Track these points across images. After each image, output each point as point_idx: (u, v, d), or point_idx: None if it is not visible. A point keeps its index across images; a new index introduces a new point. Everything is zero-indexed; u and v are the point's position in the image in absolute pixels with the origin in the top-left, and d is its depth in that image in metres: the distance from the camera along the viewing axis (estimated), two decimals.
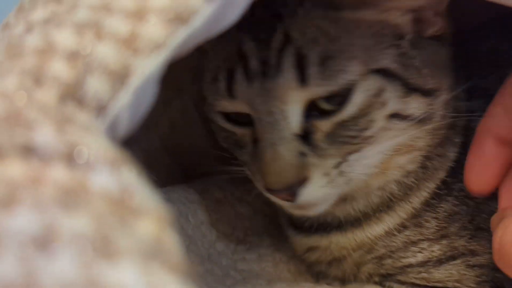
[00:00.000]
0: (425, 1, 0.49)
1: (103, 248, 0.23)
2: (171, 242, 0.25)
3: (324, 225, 0.58)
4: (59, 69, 0.30)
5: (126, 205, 0.26)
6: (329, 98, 0.47)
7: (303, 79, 0.46)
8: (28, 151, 0.26)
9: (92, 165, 0.26)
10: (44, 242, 0.22)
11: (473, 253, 0.53)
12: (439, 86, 0.51)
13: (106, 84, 0.30)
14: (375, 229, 0.55)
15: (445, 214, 0.53)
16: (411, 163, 0.53)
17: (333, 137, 0.48)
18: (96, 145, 0.27)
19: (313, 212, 0.53)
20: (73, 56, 0.31)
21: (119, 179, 0.26)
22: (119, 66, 0.31)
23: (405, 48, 0.49)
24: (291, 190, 0.48)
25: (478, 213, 0.53)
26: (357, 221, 0.56)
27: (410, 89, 0.49)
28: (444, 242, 0.53)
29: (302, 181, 0.48)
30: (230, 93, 0.50)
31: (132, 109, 0.31)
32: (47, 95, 0.29)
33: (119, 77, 0.31)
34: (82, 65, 0.30)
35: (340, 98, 0.47)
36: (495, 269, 0.50)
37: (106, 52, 0.31)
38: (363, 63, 0.47)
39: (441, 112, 0.51)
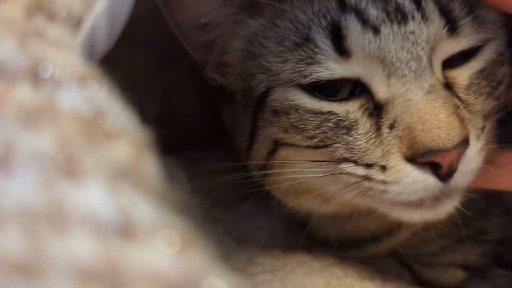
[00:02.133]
0: None
1: (67, 167, 0.21)
2: (147, 165, 0.23)
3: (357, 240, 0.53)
4: None
5: (98, 126, 0.23)
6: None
7: (453, 28, 0.42)
8: None
9: (59, 82, 0.24)
10: (1, 161, 0.20)
11: (483, 232, 0.52)
12: None
13: None
14: None
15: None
16: None
17: (473, 89, 0.43)
18: (64, 60, 0.25)
19: (446, 210, 0.43)
20: None
21: (90, 98, 0.24)
22: None
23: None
24: (463, 147, 0.40)
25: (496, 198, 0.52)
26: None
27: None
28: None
29: (466, 140, 0.40)
30: (342, 50, 0.41)
31: (108, 17, 0.28)
32: (13, 9, 0.26)
33: None
34: None
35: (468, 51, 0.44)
36: (499, 243, 0.50)
37: None
38: (499, 17, 0.45)
39: None
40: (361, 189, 0.43)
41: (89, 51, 0.28)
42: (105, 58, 0.29)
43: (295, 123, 0.44)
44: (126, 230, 0.20)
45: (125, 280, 0.18)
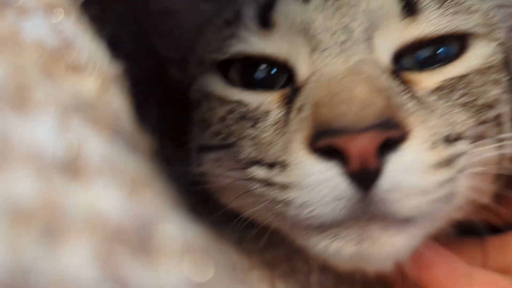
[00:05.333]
0: None
1: (15, 99, 0.18)
2: (112, 100, 0.20)
3: None
4: None
5: (62, 57, 0.21)
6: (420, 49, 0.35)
7: (412, 9, 0.34)
8: None
9: (24, 10, 0.21)
10: None
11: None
12: None
13: None
14: None
15: None
16: None
17: (440, 93, 0.34)
18: None
19: (384, 250, 0.30)
20: None
21: (58, 29, 0.21)
22: None
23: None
24: (383, 131, 0.29)
25: None
26: None
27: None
28: None
29: (393, 125, 0.29)
30: (265, 22, 0.36)
31: None
32: None
33: None
34: None
35: (436, 49, 0.35)
36: None
37: None
38: (488, 19, 0.37)
39: None
40: (267, 203, 0.33)
41: None
42: None
43: (204, 116, 0.38)
44: (71, 168, 0.17)
45: (62, 222, 0.16)
